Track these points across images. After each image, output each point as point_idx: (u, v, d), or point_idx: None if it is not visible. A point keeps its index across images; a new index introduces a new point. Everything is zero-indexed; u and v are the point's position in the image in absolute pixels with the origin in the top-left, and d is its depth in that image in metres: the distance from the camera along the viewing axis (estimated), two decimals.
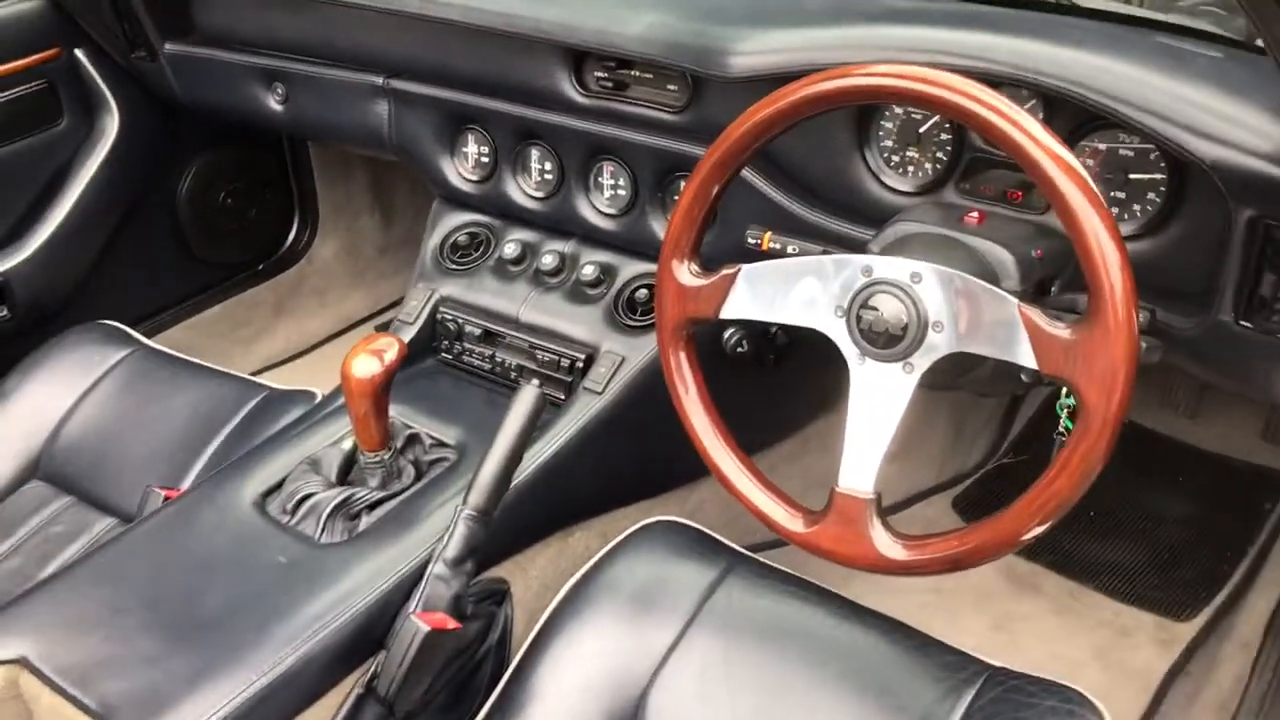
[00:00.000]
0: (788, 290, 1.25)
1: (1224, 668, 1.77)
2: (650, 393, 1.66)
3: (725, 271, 1.28)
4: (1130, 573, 2.04)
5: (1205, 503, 2.16)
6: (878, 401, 1.21)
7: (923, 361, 1.17)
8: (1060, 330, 1.09)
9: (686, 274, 1.31)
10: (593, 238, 1.81)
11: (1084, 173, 1.06)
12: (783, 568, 1.46)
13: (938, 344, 1.16)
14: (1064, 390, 1.28)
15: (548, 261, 1.79)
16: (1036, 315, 1.10)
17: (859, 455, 1.21)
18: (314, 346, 2.76)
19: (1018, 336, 1.11)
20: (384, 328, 2.79)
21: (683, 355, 1.34)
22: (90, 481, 1.78)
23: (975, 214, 1.36)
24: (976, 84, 1.08)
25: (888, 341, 1.17)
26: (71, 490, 1.78)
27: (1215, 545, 2.08)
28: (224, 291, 2.59)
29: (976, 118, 1.08)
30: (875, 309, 1.18)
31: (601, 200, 1.78)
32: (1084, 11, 1.47)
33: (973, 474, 2.27)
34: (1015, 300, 1.12)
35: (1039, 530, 1.14)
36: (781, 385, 1.88)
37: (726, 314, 1.29)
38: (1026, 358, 1.11)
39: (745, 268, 1.28)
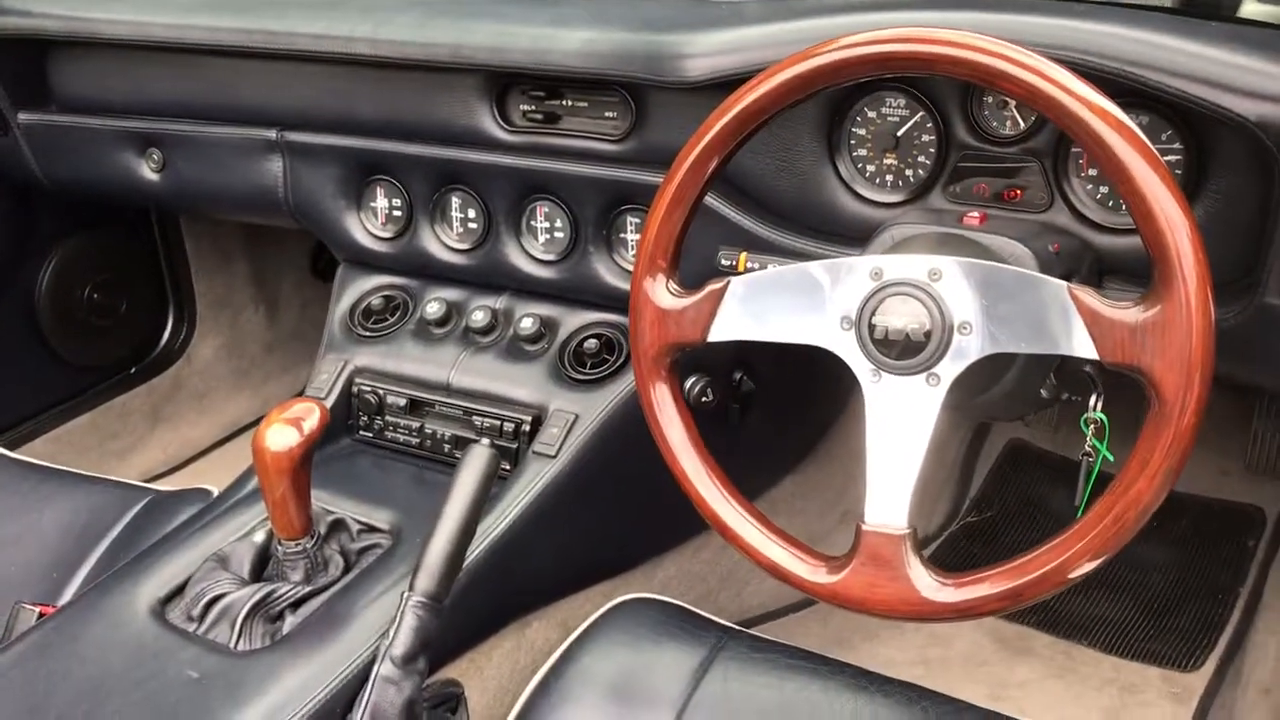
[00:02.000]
0: (785, 303, 1.10)
1: (1251, 717, 1.63)
2: (611, 453, 1.48)
3: (712, 287, 1.12)
4: (1123, 626, 1.90)
5: (1187, 547, 2.05)
6: (901, 422, 1.06)
7: (950, 370, 1.03)
8: (1124, 311, 0.95)
9: (665, 294, 1.15)
10: (528, 289, 1.63)
11: (1137, 129, 0.93)
12: (778, 639, 1.28)
13: (968, 348, 1.02)
14: (1092, 403, 1.15)
15: (478, 319, 1.60)
16: (1091, 297, 0.97)
17: (886, 486, 1.06)
18: (196, 457, 2.49)
19: (1071, 325, 0.98)
20: None
21: (665, 389, 1.17)
22: None
23: (976, 214, 1.23)
24: (1009, 44, 0.96)
25: (907, 351, 1.03)
26: None
27: (1205, 589, 1.97)
28: (92, 398, 2.32)
29: (1016, 80, 0.96)
30: (890, 315, 1.04)
31: (536, 246, 1.60)
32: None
33: (938, 536, 2.12)
34: (1064, 284, 0.98)
35: (1116, 549, 0.98)
36: (758, 429, 1.71)
37: (716, 336, 1.13)
38: (1083, 348, 0.98)
39: (735, 280, 1.12)
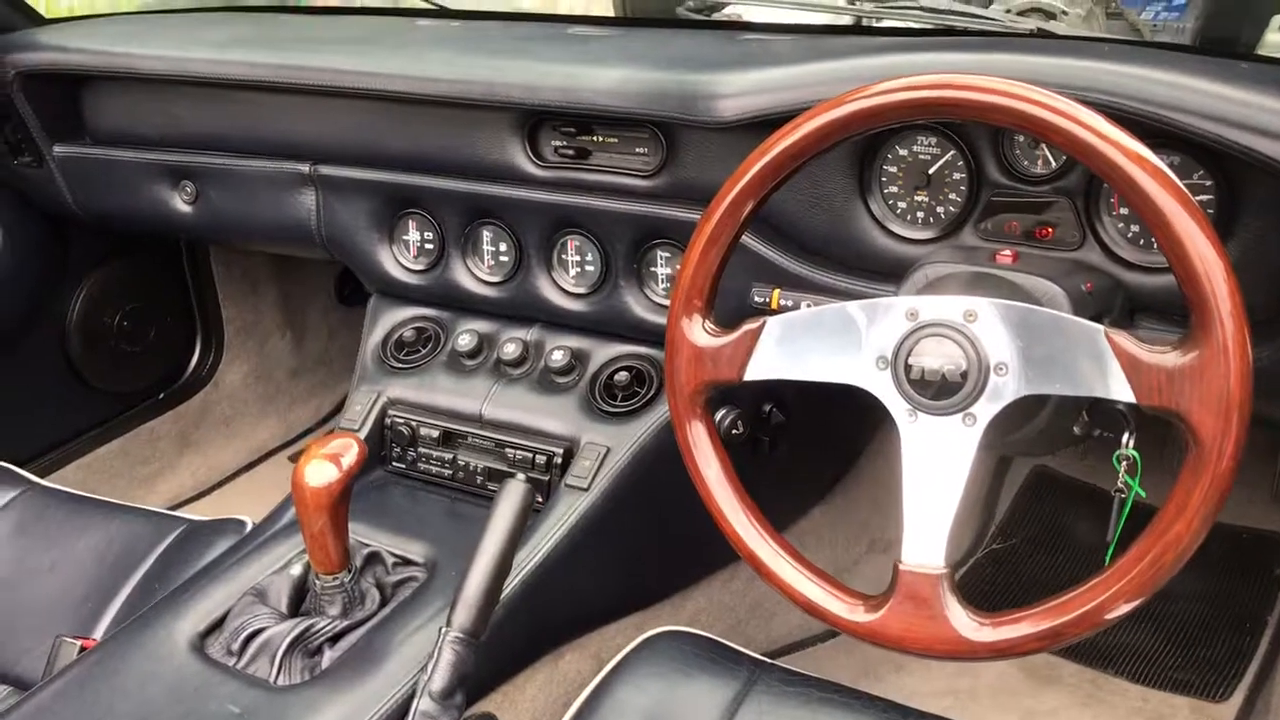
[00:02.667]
0: (822, 343, 1.10)
1: None
2: (643, 486, 1.49)
3: (748, 327, 1.13)
4: (1150, 655, 1.90)
5: (1214, 575, 2.04)
6: (937, 462, 1.06)
7: (987, 410, 1.04)
8: (1162, 356, 0.95)
9: (701, 333, 1.16)
10: (558, 322, 1.64)
11: (1170, 173, 0.94)
12: (810, 673, 1.28)
13: (1004, 389, 1.03)
14: (1124, 440, 1.16)
15: (509, 351, 1.61)
16: (1128, 341, 0.97)
17: (923, 525, 1.07)
18: (223, 481, 2.50)
19: (1107, 368, 0.98)
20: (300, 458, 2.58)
21: (701, 427, 1.18)
22: None
23: (1009, 253, 1.24)
24: (1045, 90, 0.97)
25: (943, 391, 1.04)
26: None
27: (1232, 618, 1.96)
28: (122, 424, 2.33)
29: (1052, 126, 0.97)
30: (926, 355, 1.04)
31: (566, 279, 1.62)
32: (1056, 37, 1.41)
33: (963, 564, 2.12)
34: (1100, 328, 0.98)
35: (1154, 590, 0.98)
36: (786, 462, 1.71)
37: (752, 375, 1.14)
38: (1120, 391, 0.98)
39: (771, 320, 1.12)
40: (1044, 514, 2.17)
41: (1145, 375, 0.96)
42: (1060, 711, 1.80)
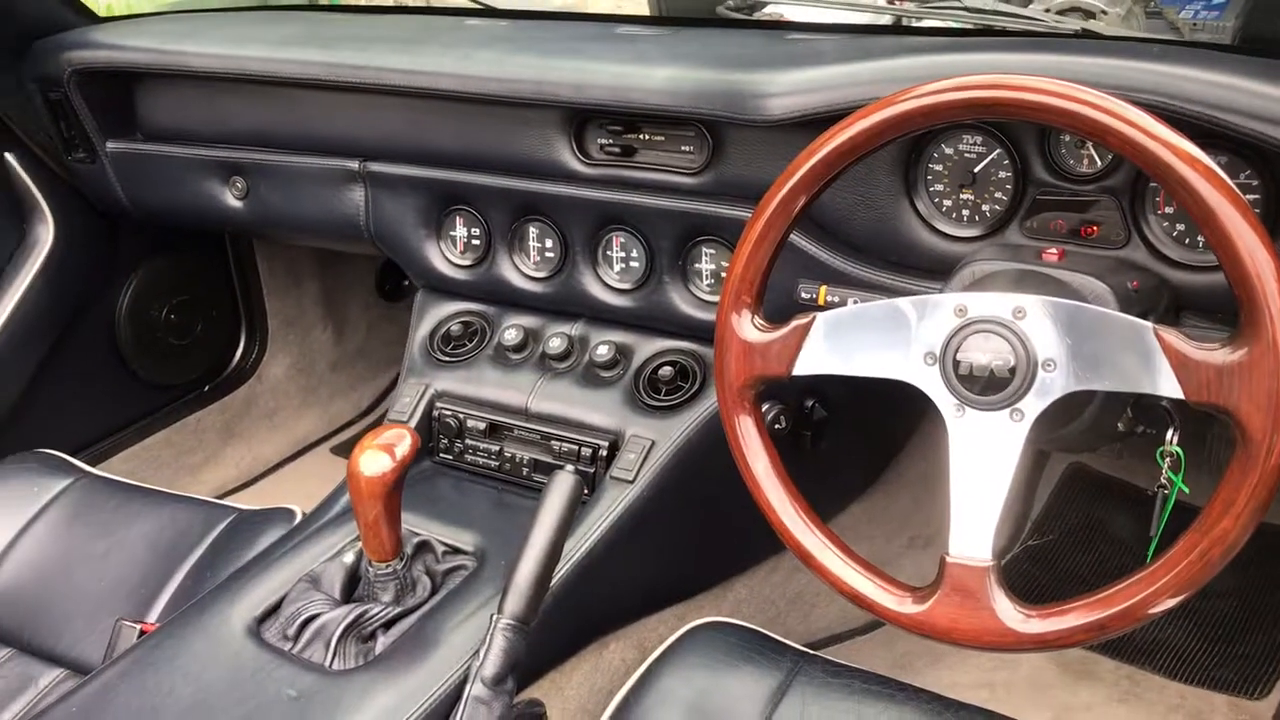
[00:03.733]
0: (871, 338, 1.12)
1: None
2: (687, 479, 1.51)
3: (798, 322, 1.15)
4: (1186, 652, 1.91)
5: (1247, 572, 2.04)
6: (985, 456, 1.08)
7: (1034, 406, 1.05)
8: (1211, 352, 0.97)
9: (751, 329, 1.18)
10: (603, 317, 1.66)
11: (1222, 173, 0.95)
12: (854, 664, 1.30)
13: (1051, 385, 1.04)
14: (1169, 437, 1.17)
15: (555, 345, 1.63)
16: (1177, 339, 0.99)
17: (970, 518, 1.08)
18: (267, 472, 2.54)
19: (1156, 365, 1.00)
20: (341, 450, 2.61)
21: (750, 421, 1.20)
22: (33, 629, 1.57)
23: (1055, 251, 1.25)
24: (1096, 91, 0.98)
25: (991, 387, 1.06)
26: (10, 641, 1.56)
27: (1268, 615, 1.97)
28: (168, 415, 2.38)
29: (1105, 127, 0.98)
30: (974, 351, 1.06)
31: (611, 275, 1.64)
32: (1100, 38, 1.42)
33: (1002, 558, 2.12)
34: (1149, 324, 1.00)
35: (1199, 586, 1.00)
36: (828, 456, 1.73)
37: (801, 370, 1.16)
38: (1169, 388, 1.00)
39: (821, 316, 1.14)
40: (1080, 510, 2.18)
41: (1194, 372, 0.98)
42: (1096, 707, 1.81)
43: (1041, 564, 2.10)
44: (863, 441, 1.87)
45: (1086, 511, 2.17)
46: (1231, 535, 0.98)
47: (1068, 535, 2.13)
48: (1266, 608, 1.98)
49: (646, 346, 1.63)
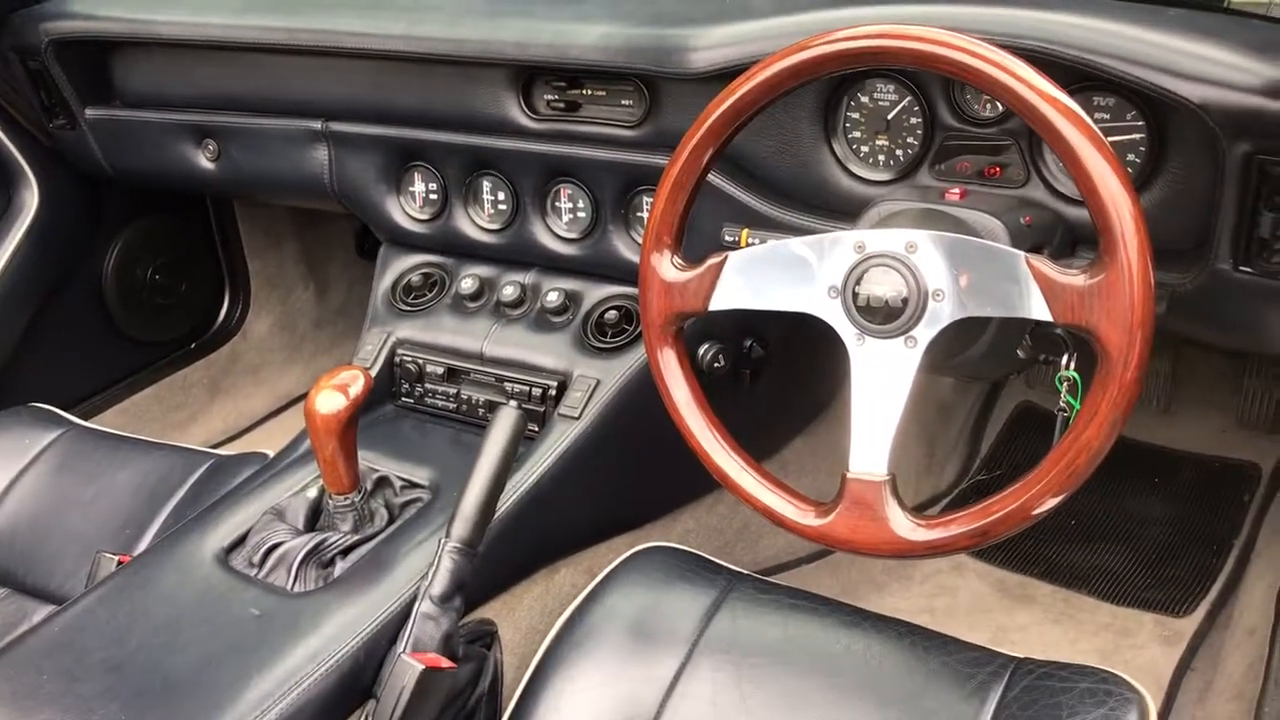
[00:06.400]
0: (778, 275, 1.20)
1: (1233, 657, 1.73)
2: (629, 415, 1.60)
3: (712, 261, 1.23)
4: (1121, 576, 2.00)
5: (1185, 501, 2.14)
6: (882, 381, 1.16)
7: (926, 333, 1.13)
8: (1073, 277, 1.05)
9: (670, 268, 1.26)
10: (554, 265, 1.75)
11: (1081, 111, 1.04)
12: (784, 583, 1.39)
13: (940, 313, 1.12)
14: (1064, 362, 1.26)
15: (508, 293, 1.73)
16: (1046, 265, 1.07)
17: (868, 437, 1.16)
18: (252, 426, 2.64)
19: (1028, 290, 1.08)
20: None
21: (672, 353, 1.28)
22: (26, 570, 1.66)
23: (957, 190, 1.33)
24: (970, 38, 1.06)
25: (887, 316, 1.13)
26: (5, 581, 1.66)
27: (1201, 541, 2.06)
28: (156, 372, 2.47)
29: (974, 71, 1.06)
30: (871, 284, 1.14)
31: (560, 225, 1.73)
32: None
33: (948, 494, 2.22)
34: (1021, 253, 1.08)
35: (1070, 490, 1.09)
36: (768, 394, 1.82)
37: (716, 305, 1.24)
38: (1039, 310, 1.08)
39: (733, 255, 1.23)
40: (1027, 446, 2.27)
41: (1060, 295, 1.05)
42: (1031, 628, 1.91)
43: (988, 497, 2.19)
44: (802, 379, 1.95)
45: (1032, 447, 2.26)
46: (1095, 444, 1.05)
47: (1014, 470, 2.23)
48: (1199, 535, 2.07)
49: (594, 292, 1.71)
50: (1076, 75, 1.25)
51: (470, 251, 1.82)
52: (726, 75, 1.41)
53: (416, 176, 1.82)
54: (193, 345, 2.56)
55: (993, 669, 1.22)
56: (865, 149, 1.48)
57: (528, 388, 1.65)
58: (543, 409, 1.64)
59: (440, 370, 1.73)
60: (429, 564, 1.31)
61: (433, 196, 1.82)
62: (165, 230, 2.46)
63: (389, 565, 1.37)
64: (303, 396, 2.71)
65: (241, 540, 1.44)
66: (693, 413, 1.27)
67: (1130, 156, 1.32)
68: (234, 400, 2.62)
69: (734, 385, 1.71)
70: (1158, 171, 1.29)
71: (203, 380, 2.56)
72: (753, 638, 1.29)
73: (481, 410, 1.70)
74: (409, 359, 1.75)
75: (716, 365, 1.64)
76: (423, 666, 1.23)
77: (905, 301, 1.12)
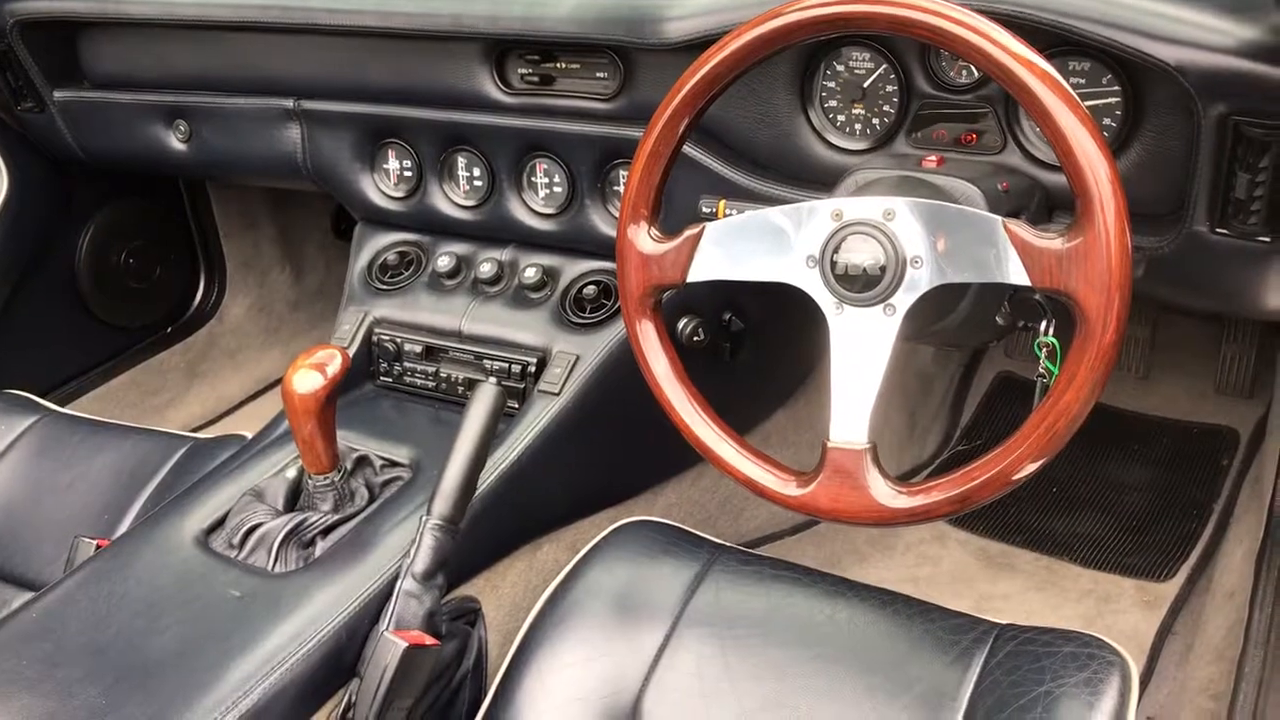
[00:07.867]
0: (756, 245, 1.20)
1: (1214, 620, 1.75)
2: (610, 390, 1.60)
3: (689, 232, 1.23)
4: (1102, 542, 2.02)
5: (1164, 467, 2.15)
6: (861, 349, 1.16)
7: (904, 300, 1.13)
8: (1050, 241, 1.05)
9: (647, 240, 1.25)
10: (531, 241, 1.74)
11: (1057, 75, 1.03)
12: (766, 554, 1.39)
13: (919, 280, 1.12)
14: (1043, 328, 1.26)
15: (485, 270, 1.71)
16: (1023, 230, 1.07)
17: (848, 406, 1.16)
18: (231, 409, 2.63)
19: (1005, 255, 1.08)
20: None
21: (650, 326, 1.28)
22: (4, 557, 1.65)
23: (933, 158, 1.33)
24: (944, 2, 1.06)
25: (866, 285, 1.13)
26: None
27: (1181, 507, 2.07)
28: (132, 357, 2.46)
29: (949, 35, 1.05)
30: (850, 252, 1.13)
31: (537, 200, 1.72)
32: None
33: (930, 464, 2.23)
34: (999, 218, 1.08)
35: (1050, 454, 1.09)
36: (748, 367, 1.82)
37: (694, 276, 1.24)
38: (1017, 275, 1.08)
39: (710, 225, 1.22)
40: (1007, 415, 2.28)
41: (1038, 259, 1.05)
42: (1014, 596, 1.92)
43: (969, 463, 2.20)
44: (782, 351, 1.95)
45: (1013, 416, 2.27)
46: (1075, 407, 1.06)
47: (995, 439, 2.23)
48: (1179, 500, 2.09)
49: (572, 268, 1.71)
50: (1052, 40, 1.25)
51: (446, 229, 1.80)
52: (701, 44, 1.41)
53: (390, 154, 1.81)
54: (169, 329, 2.55)
55: (976, 635, 1.22)
56: (842, 118, 1.47)
57: (507, 364, 1.64)
58: (522, 385, 1.63)
59: (418, 349, 1.72)
60: (410, 542, 1.31)
61: (407, 174, 1.81)
62: (138, 214, 2.44)
63: (370, 544, 1.36)
64: (281, 379, 2.72)
65: (221, 522, 1.43)
66: (672, 385, 1.27)
67: (1106, 120, 1.32)
68: (211, 384, 2.61)
69: (714, 359, 1.71)
70: (1134, 135, 1.29)
71: (180, 365, 2.54)
72: (736, 609, 1.29)
73: (461, 388, 1.69)
74: (387, 338, 1.74)
75: (696, 339, 1.64)
76: (406, 644, 1.22)
77: (883, 269, 1.12)
